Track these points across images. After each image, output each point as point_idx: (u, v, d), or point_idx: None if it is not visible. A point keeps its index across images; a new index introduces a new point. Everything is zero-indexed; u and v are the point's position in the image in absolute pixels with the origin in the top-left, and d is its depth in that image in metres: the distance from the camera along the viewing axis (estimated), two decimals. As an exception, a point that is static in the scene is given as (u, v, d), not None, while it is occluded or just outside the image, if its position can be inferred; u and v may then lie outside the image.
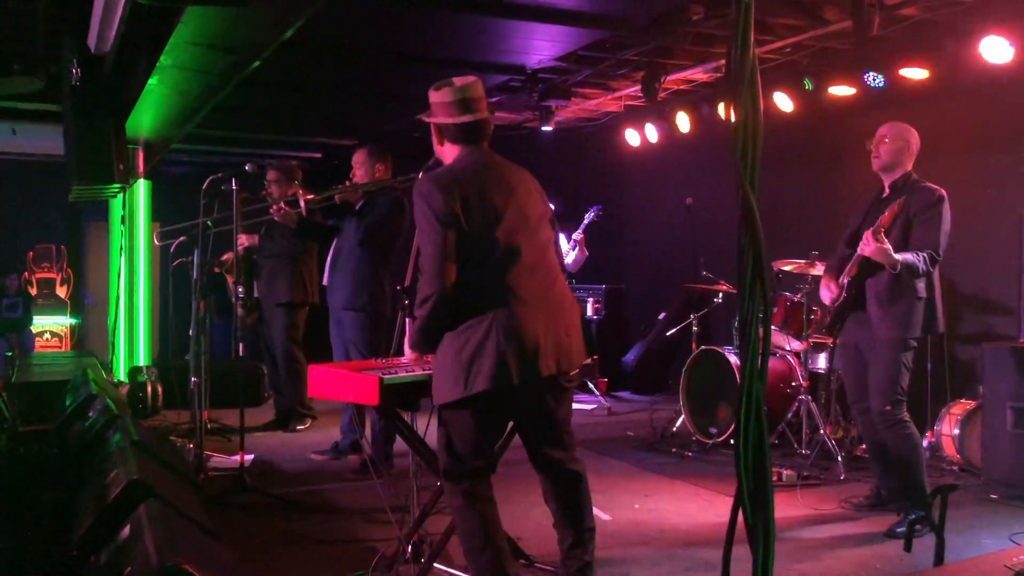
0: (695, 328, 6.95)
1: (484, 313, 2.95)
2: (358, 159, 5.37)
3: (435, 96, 3.17)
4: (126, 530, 3.00)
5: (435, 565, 3.52)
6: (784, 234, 6.94)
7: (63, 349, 10.60)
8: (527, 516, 4.36)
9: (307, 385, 3.45)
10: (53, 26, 5.97)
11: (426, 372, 3.21)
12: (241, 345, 4.99)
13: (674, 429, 6.59)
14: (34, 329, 10.42)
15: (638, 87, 7.55)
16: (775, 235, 7.80)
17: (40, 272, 10.68)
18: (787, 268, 6.02)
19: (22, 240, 10.71)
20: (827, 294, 4.61)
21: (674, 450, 6.14)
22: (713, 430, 6.23)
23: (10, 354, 9.94)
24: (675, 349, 8.58)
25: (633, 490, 5.12)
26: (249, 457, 5.57)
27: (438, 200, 2.96)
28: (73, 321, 10.87)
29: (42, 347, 10.47)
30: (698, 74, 7.45)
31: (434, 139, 3.24)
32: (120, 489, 3.31)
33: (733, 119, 1.29)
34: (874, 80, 6.41)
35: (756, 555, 1.37)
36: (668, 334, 7.80)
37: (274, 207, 5.49)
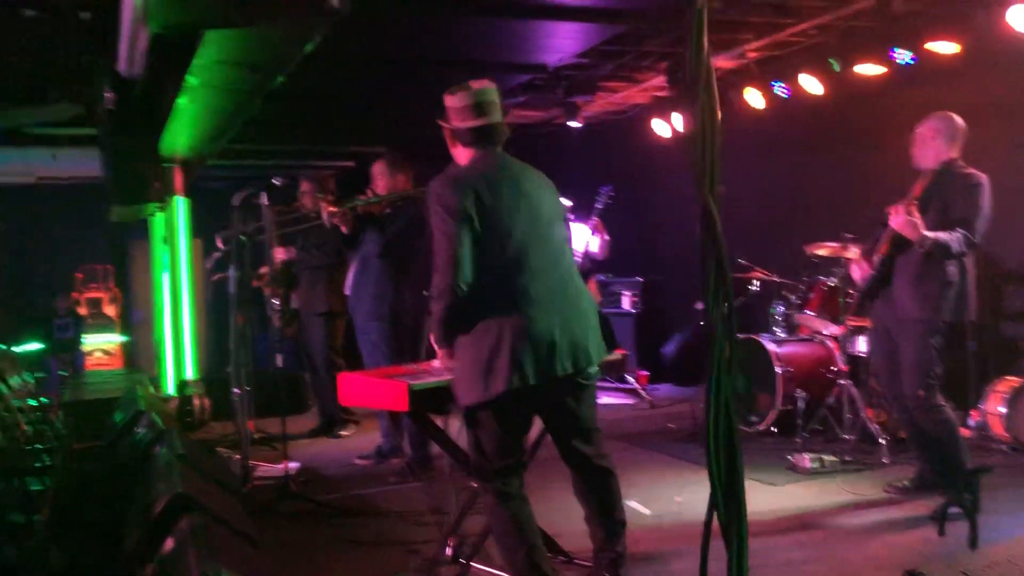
0: (732, 317, 6.89)
1: (498, 314, 2.99)
2: (378, 170, 5.44)
3: (450, 100, 3.23)
4: (170, 543, 3.09)
5: (474, 565, 3.57)
6: (818, 217, 6.88)
7: (114, 366, 10.85)
8: (565, 512, 4.35)
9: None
10: (86, 53, 6.12)
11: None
12: (279, 356, 5.09)
13: (715, 419, 6.55)
14: (85, 348, 10.68)
15: (664, 78, 7.53)
16: (808, 219, 7.75)
17: (89, 292, 10.94)
18: (821, 252, 5.96)
19: (70, 261, 11.00)
20: (857, 271, 4.57)
21: (715, 440, 6.11)
22: (754, 418, 6.20)
23: (64, 373, 10.23)
24: (715, 339, 8.52)
25: (673, 482, 5.12)
26: (295, 465, 5.68)
27: (451, 198, 3.02)
28: (123, 338, 11.13)
29: (94, 365, 10.73)
30: (722, 61, 7.39)
31: (448, 142, 3.30)
32: (165, 503, 3.41)
33: (691, 124, 1.30)
34: (902, 57, 6.31)
35: (730, 553, 1.39)
36: (703, 324, 7.75)
37: (326, 212, 5.47)
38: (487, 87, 3.21)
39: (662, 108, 8.77)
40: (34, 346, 10.08)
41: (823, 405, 5.88)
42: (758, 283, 6.75)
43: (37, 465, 5.88)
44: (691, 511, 4.58)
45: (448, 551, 3.66)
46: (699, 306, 8.86)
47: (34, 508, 4.73)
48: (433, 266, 3.05)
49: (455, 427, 3.60)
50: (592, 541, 3.31)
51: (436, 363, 3.50)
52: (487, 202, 3.04)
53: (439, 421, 3.64)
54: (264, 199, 4.95)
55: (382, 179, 5.47)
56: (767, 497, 4.76)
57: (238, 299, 5.25)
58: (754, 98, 7.56)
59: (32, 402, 7.86)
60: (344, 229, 5.40)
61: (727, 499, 1.32)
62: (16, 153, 8.81)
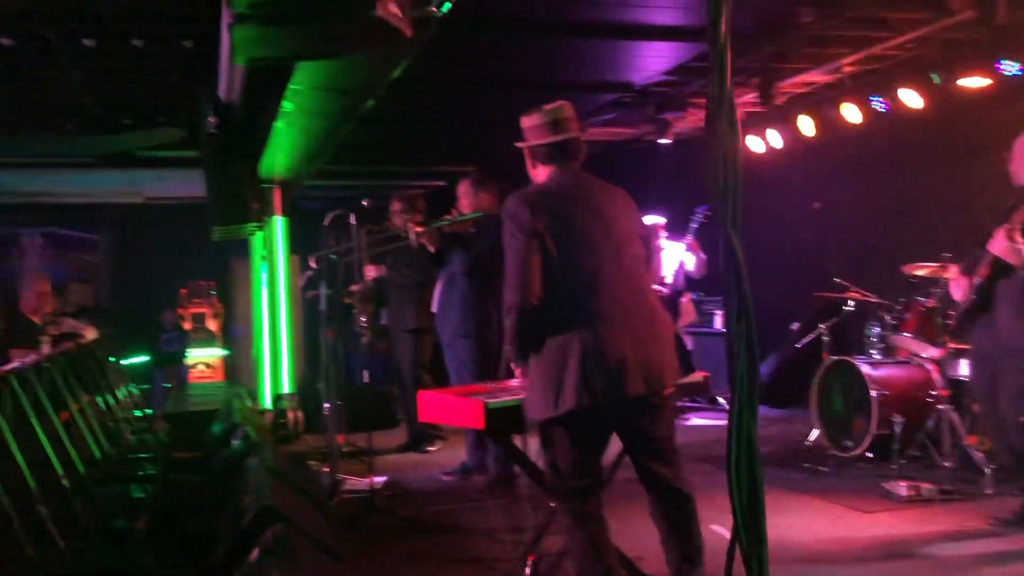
0: (825, 338, 6.71)
1: (568, 332, 3.00)
2: (462, 190, 5.52)
3: (526, 121, 3.29)
4: (255, 553, 3.19)
5: (551, 584, 3.56)
6: (916, 237, 6.65)
7: (216, 380, 11.26)
8: (647, 535, 4.32)
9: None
10: (190, 79, 6.42)
11: (531, 395, 3.27)
12: (365, 372, 5.20)
13: (807, 443, 6.38)
14: (189, 361, 11.11)
15: (756, 94, 7.42)
16: (906, 238, 7.48)
17: (193, 307, 11.38)
18: (919, 272, 5.77)
19: (175, 278, 11.49)
20: (958, 291, 4.40)
21: (806, 465, 5.95)
22: (847, 443, 6.01)
23: (168, 386, 10.67)
24: (811, 360, 8.30)
25: (760, 507, 5.00)
26: (381, 479, 5.78)
27: (523, 214, 3.06)
28: (224, 352, 11.54)
29: (197, 378, 11.14)
30: (817, 76, 7.25)
31: (528, 163, 3.34)
32: (252, 514, 3.53)
33: (713, 157, 1.29)
34: (1009, 68, 6.06)
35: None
36: (798, 345, 7.57)
37: (414, 231, 5.58)
38: (561, 106, 3.26)
39: (755, 124, 8.63)
40: (141, 359, 10.55)
41: (921, 430, 5.66)
42: (853, 303, 6.55)
43: (140, 474, 6.15)
44: (775, 535, 4.38)
45: (526, 570, 3.66)
46: (794, 326, 8.73)
47: (135, 515, 4.95)
48: (504, 282, 3.08)
49: (534, 446, 3.61)
50: (668, 565, 3.26)
51: (514, 382, 3.52)
52: (559, 219, 3.06)
53: (519, 440, 3.66)
54: (353, 219, 5.07)
55: (466, 198, 5.55)
56: (859, 525, 4.60)
57: (328, 316, 5.39)
58: (851, 113, 7.37)
59: (137, 413, 8.24)
60: (430, 248, 5.48)
61: (748, 530, 1.30)
62: (126, 175, 9.29)
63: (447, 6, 2.78)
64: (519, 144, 3.34)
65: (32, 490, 4.12)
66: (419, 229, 5.49)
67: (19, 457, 4.12)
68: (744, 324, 1.25)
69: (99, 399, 6.71)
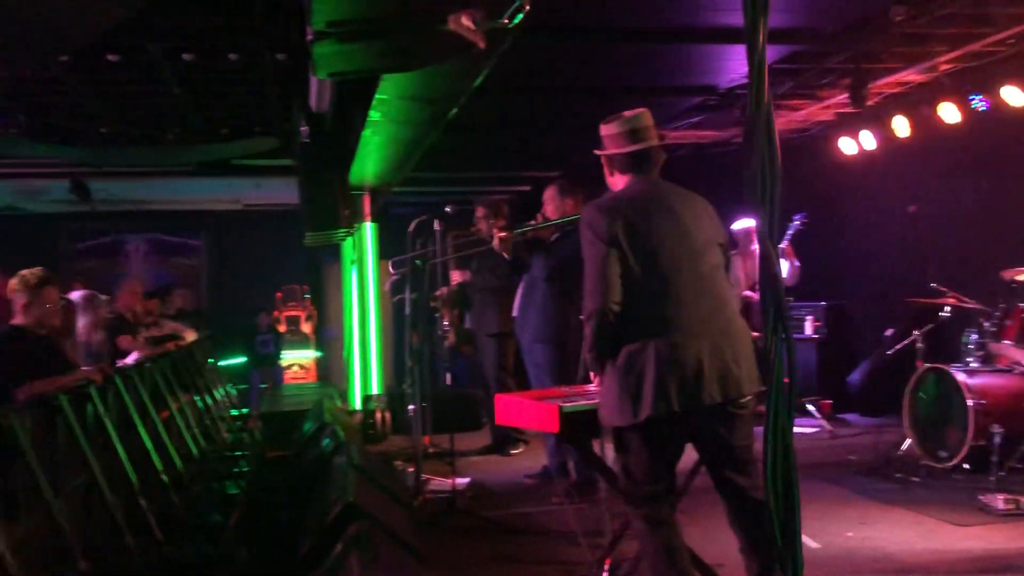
0: (919, 345, 6.51)
1: (645, 340, 3.00)
2: (548, 195, 5.56)
3: (605, 129, 3.30)
4: (338, 549, 3.30)
5: (627, 589, 3.57)
6: (1017, 240, 6.38)
7: (309, 380, 11.60)
8: (729, 543, 4.28)
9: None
10: (283, 91, 6.65)
11: (607, 400, 3.28)
12: (448, 375, 5.29)
13: (900, 453, 6.19)
14: (283, 363, 11.49)
15: (847, 95, 7.24)
16: (1006, 242, 7.19)
17: (287, 310, 11.78)
18: (1021, 278, 5.55)
19: (271, 281, 11.89)
20: None
21: (898, 475, 5.78)
22: (943, 453, 5.81)
23: (264, 386, 11.05)
24: (904, 368, 8.06)
25: (848, 517, 4.89)
26: (464, 481, 5.87)
27: (600, 222, 3.07)
28: (317, 354, 11.88)
29: (291, 379, 11.52)
30: (911, 75, 7.03)
31: (605, 171, 3.35)
32: (336, 511, 3.64)
33: (752, 169, 1.29)
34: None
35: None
36: (890, 352, 7.35)
37: (497, 237, 5.66)
38: (640, 114, 3.25)
39: (848, 125, 8.43)
40: (238, 360, 10.95)
41: (1023, 442, 5.43)
42: (949, 309, 6.33)
43: (234, 470, 6.40)
44: (863, 547, 4.36)
45: (603, 574, 3.68)
46: (888, 333, 8.47)
47: (229, 510, 5.16)
48: (584, 290, 3.11)
49: (611, 451, 3.62)
50: (748, 573, 3.23)
51: (591, 387, 3.54)
52: (636, 227, 3.07)
53: (595, 444, 3.68)
54: (437, 225, 5.17)
55: (551, 204, 5.59)
56: (953, 538, 4.46)
57: (413, 319, 5.50)
58: (949, 113, 7.14)
59: (233, 412, 8.56)
60: (505, 255, 5.55)
61: (784, 528, 1.30)
62: (224, 183, 9.67)
63: (519, 17, 2.83)
64: (597, 152, 3.36)
65: (133, 485, 4.35)
66: (503, 234, 5.56)
67: (122, 453, 4.35)
68: (782, 332, 1.26)
69: (197, 399, 7.01)
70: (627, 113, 3.28)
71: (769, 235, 1.26)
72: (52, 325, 4.82)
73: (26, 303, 4.65)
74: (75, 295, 5.88)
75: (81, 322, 6.03)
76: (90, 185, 9.03)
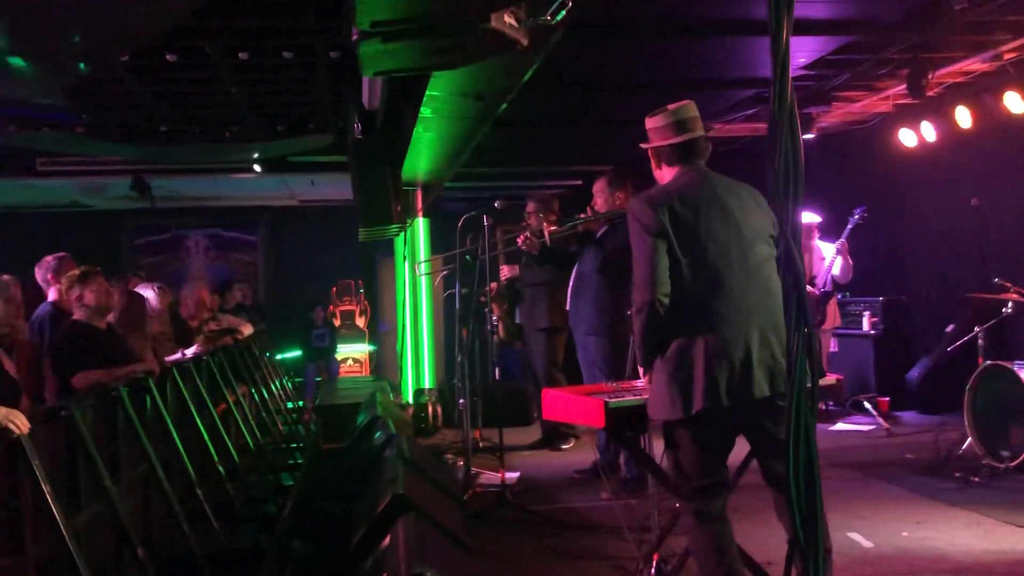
0: (981, 341, 6.35)
1: (693, 333, 2.98)
2: (598, 188, 5.55)
3: (651, 122, 3.29)
4: (387, 540, 3.35)
5: (675, 585, 3.56)
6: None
7: (363, 374, 11.77)
8: (778, 539, 4.24)
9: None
10: (336, 89, 6.74)
11: (654, 395, 3.27)
12: (496, 369, 5.32)
13: (960, 452, 6.05)
14: (338, 356, 11.66)
15: (906, 85, 7.09)
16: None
17: (342, 305, 11.96)
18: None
19: (326, 276, 12.08)
20: None
21: (958, 474, 5.65)
22: (1005, 453, 5.66)
23: (319, 379, 11.22)
24: (965, 364, 7.87)
25: (903, 516, 4.80)
26: (514, 475, 5.90)
27: (647, 214, 3.06)
28: (371, 348, 12.04)
29: (345, 372, 11.70)
30: (975, 64, 6.85)
31: (653, 165, 3.34)
32: (386, 502, 3.70)
33: (776, 166, 1.27)
34: None
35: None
36: (951, 348, 7.18)
37: (520, 237, 5.74)
38: (685, 105, 3.24)
39: (907, 117, 8.24)
40: (294, 354, 11.14)
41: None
42: (1012, 305, 6.16)
43: (289, 462, 6.52)
44: (918, 547, 4.28)
45: (651, 569, 3.67)
46: (949, 329, 8.28)
47: (283, 501, 5.26)
48: (633, 283, 3.10)
49: (659, 446, 3.61)
50: (802, 567, 3.19)
51: (640, 382, 3.54)
52: (684, 219, 3.05)
53: (643, 439, 3.67)
54: (486, 220, 5.20)
55: (601, 197, 5.59)
56: (1012, 540, 4.34)
57: (463, 314, 5.54)
58: (1014, 103, 6.94)
59: (289, 405, 8.71)
60: (534, 252, 5.60)
61: (806, 524, 1.29)
62: (280, 179, 9.84)
63: (562, 14, 2.82)
64: (643, 146, 3.35)
65: (191, 476, 4.46)
66: (553, 228, 5.58)
67: (180, 445, 4.46)
68: (804, 330, 1.25)
69: (254, 392, 7.15)
70: (671, 106, 3.26)
71: (792, 234, 1.25)
72: (109, 311, 4.95)
73: (79, 296, 4.80)
74: (144, 290, 6.00)
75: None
76: (151, 182, 9.26)
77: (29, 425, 2.83)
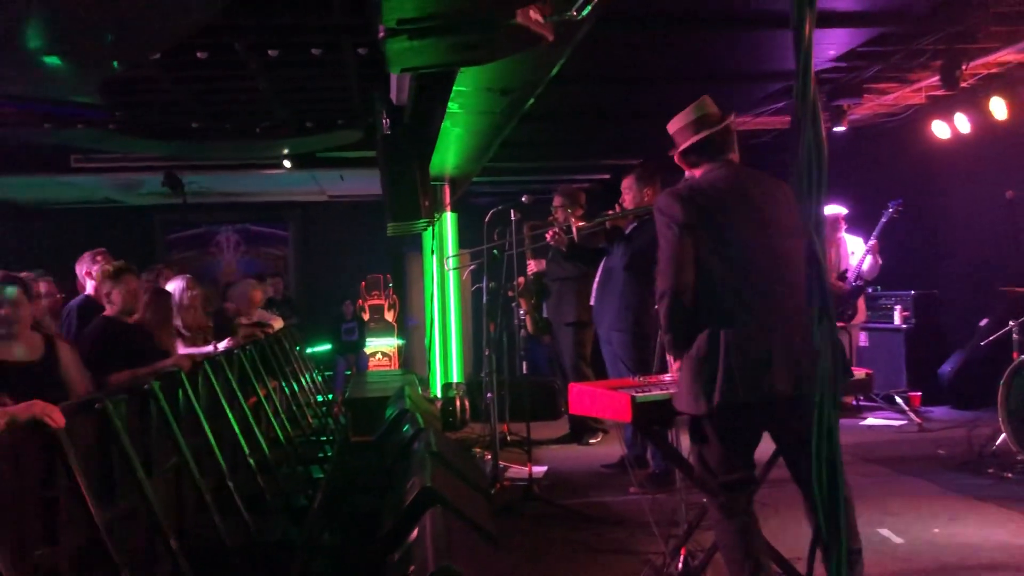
0: (1015, 335, 6.26)
1: (718, 328, 2.98)
2: (626, 184, 5.54)
3: (672, 127, 3.33)
4: (415, 533, 3.37)
5: (702, 580, 3.55)
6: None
7: (392, 368, 11.84)
8: (807, 536, 4.22)
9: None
10: (365, 84, 6.78)
11: (680, 390, 3.27)
12: (524, 363, 5.33)
13: (993, 448, 5.97)
14: (368, 350, 11.73)
15: (939, 77, 6.99)
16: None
17: (371, 299, 12.04)
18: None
19: (356, 271, 12.16)
20: None
21: (991, 470, 5.58)
22: (1042, 450, 5.58)
23: (348, 373, 11.30)
24: (999, 359, 7.75)
25: (934, 513, 4.76)
26: (541, 469, 5.91)
27: (674, 208, 3.07)
28: (400, 342, 12.11)
29: (374, 366, 11.77)
30: (1009, 55, 6.75)
31: (684, 169, 3.35)
32: (413, 495, 3.72)
33: (800, 159, 1.27)
34: None
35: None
36: (984, 343, 7.09)
37: (549, 232, 5.76)
38: (700, 102, 3.27)
39: (940, 109, 8.13)
40: (324, 347, 11.23)
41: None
42: (1048, 299, 6.07)
43: (320, 455, 6.58)
44: (950, 543, 4.23)
45: (678, 563, 3.67)
46: (983, 322, 8.18)
47: (313, 493, 5.31)
48: (657, 272, 3.11)
49: (686, 441, 3.61)
50: (826, 567, 3.18)
51: (666, 377, 3.53)
52: (710, 213, 3.05)
53: (670, 434, 3.67)
54: (514, 215, 5.21)
55: (629, 193, 5.58)
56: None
57: (490, 308, 5.56)
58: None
59: (319, 398, 8.79)
60: (562, 248, 5.59)
61: (828, 521, 1.29)
62: (309, 175, 9.91)
63: (587, 9, 2.83)
64: (671, 153, 3.36)
65: (222, 468, 4.51)
66: (580, 223, 5.58)
67: (211, 438, 4.52)
68: (827, 323, 1.25)
69: (284, 385, 7.22)
70: (690, 105, 3.28)
71: (815, 229, 1.25)
72: (135, 312, 5.02)
73: (107, 292, 4.87)
74: (172, 285, 6.07)
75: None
76: (182, 178, 9.37)
77: (64, 420, 2.89)
